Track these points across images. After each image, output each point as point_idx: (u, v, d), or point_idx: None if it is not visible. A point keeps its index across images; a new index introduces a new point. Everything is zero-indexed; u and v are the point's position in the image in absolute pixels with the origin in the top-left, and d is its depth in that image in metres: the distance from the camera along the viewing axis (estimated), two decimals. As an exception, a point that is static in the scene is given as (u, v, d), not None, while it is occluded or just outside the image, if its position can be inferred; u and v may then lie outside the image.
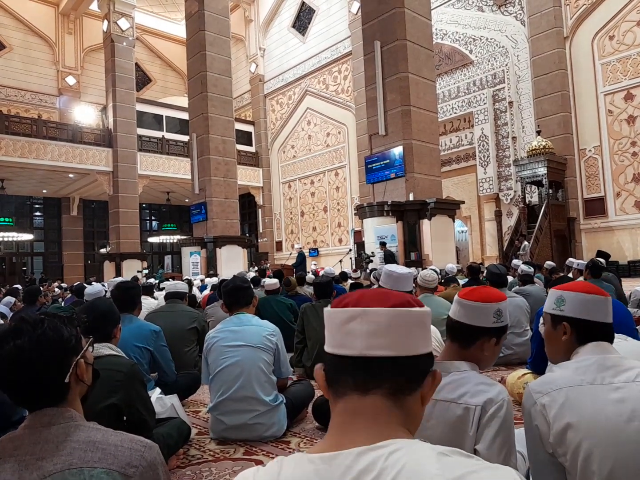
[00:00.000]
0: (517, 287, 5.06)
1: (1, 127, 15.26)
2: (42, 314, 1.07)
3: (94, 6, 19.61)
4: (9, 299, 5.47)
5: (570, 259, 6.82)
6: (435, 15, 14.19)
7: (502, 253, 12.98)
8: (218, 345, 2.61)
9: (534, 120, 13.41)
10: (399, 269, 2.98)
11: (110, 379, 1.88)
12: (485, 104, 14.37)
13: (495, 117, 14.34)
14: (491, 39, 14.44)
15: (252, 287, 3.17)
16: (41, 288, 7.44)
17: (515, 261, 7.35)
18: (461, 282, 6.00)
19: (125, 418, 1.96)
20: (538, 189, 13.02)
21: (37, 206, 20.76)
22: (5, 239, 18.71)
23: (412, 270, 3.31)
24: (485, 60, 14.60)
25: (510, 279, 6.26)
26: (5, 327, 1.03)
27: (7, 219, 17.72)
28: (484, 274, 5.59)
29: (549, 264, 6.93)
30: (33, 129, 16.02)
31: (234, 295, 2.73)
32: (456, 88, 15.18)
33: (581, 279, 5.11)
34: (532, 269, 5.33)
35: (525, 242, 11.36)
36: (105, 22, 18.05)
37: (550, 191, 12.44)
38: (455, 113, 15.17)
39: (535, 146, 12.48)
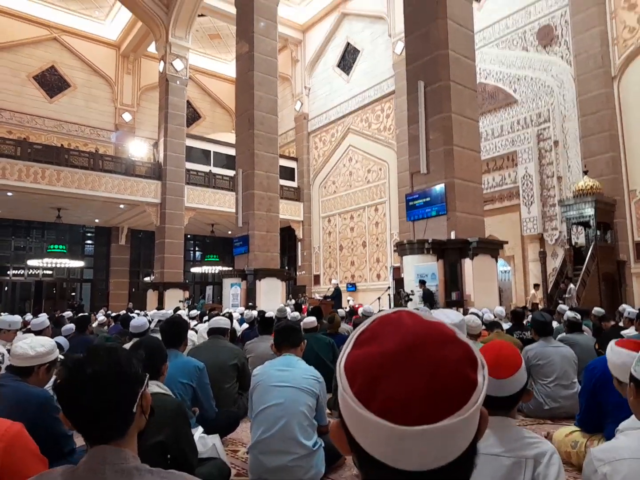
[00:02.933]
0: (564, 334, 4.89)
1: (61, 160, 16.24)
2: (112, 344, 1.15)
3: (151, 48, 20.90)
4: (71, 326, 5.68)
5: (623, 306, 6.54)
6: (479, 55, 14.31)
7: (546, 295, 12.57)
8: (264, 384, 2.66)
9: (581, 160, 13.13)
10: (449, 315, 2.92)
11: (158, 417, 1.95)
12: (529, 142, 14.22)
13: (539, 156, 14.15)
14: (536, 78, 14.40)
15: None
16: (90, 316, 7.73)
17: (561, 306, 7.11)
18: (505, 326, 5.85)
19: (169, 456, 2.02)
20: (585, 230, 12.63)
21: (89, 234, 21.77)
22: (58, 266, 19.62)
23: (462, 316, 3.24)
24: (529, 99, 14.53)
25: (555, 324, 6.06)
26: (79, 355, 1.07)
27: (61, 247, 18.62)
28: (529, 320, 5.44)
29: (598, 310, 6.66)
30: (90, 162, 16.97)
31: (285, 335, 2.83)
32: (500, 127, 15.13)
33: (632, 329, 4.88)
34: (579, 316, 5.13)
35: (572, 285, 10.97)
36: (162, 63, 19.16)
37: (598, 232, 12.04)
38: (499, 152, 15.06)
39: (582, 186, 12.18)
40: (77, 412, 1.02)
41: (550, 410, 3.71)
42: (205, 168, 19.83)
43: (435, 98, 10.05)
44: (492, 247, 10.06)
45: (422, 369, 0.48)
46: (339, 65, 21.21)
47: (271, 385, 2.64)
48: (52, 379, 2.63)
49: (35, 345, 2.36)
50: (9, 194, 15.63)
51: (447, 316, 2.95)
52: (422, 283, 9.28)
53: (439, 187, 9.81)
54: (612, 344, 1.86)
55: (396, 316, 0.54)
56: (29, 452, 1.40)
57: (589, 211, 11.89)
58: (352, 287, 19.32)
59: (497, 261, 10.15)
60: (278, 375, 2.66)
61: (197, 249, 24.77)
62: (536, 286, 13.06)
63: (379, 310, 5.48)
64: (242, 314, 9.10)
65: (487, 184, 14.94)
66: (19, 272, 19.94)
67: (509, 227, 14.99)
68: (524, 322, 6.01)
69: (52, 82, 20.88)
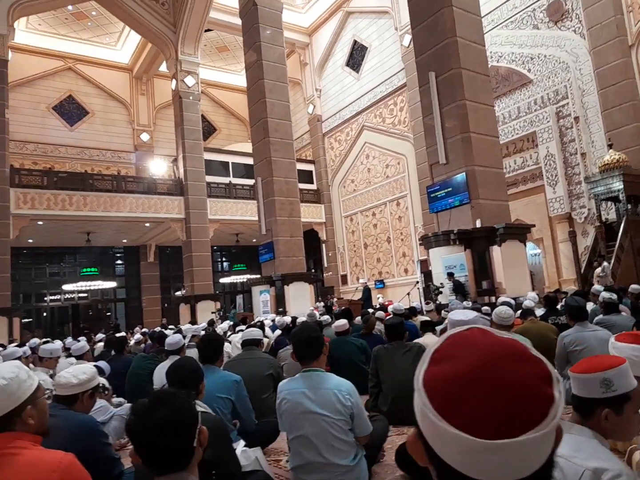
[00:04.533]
0: (600, 316, 4.76)
1: (86, 185, 16.69)
2: (171, 389, 1.27)
3: (162, 67, 21.28)
4: (99, 345, 5.84)
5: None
6: (489, 39, 14.09)
7: (580, 276, 12.27)
8: (292, 411, 2.50)
9: (604, 134, 12.78)
10: (466, 315, 2.92)
11: (200, 435, 2.01)
12: (548, 122, 13.92)
13: (560, 134, 13.83)
14: (550, 55, 14.08)
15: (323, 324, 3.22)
16: (126, 336, 7.91)
17: (595, 286, 6.93)
18: (538, 312, 5.74)
19: (214, 472, 2.07)
20: (615, 205, 12.29)
21: (118, 255, 22.28)
22: (92, 288, 20.15)
23: (475, 314, 3.20)
24: (545, 77, 14.22)
25: (591, 305, 5.92)
26: (146, 401, 1.23)
27: (93, 269, 19.11)
28: (563, 303, 5.33)
29: (636, 287, 6.46)
30: (114, 184, 17.37)
31: (302, 348, 2.59)
32: (516, 109, 14.85)
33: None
34: (615, 296, 4.99)
35: (605, 263, 10.67)
36: (174, 81, 19.48)
37: (629, 206, 11.69)
38: (518, 134, 14.78)
39: (608, 160, 11.86)
40: (146, 451, 1.18)
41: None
42: (225, 179, 20.07)
43: (447, 87, 9.94)
44: (520, 232, 9.89)
45: (500, 387, 0.50)
46: (347, 64, 21.18)
47: (299, 413, 2.47)
48: (96, 404, 2.73)
49: (78, 374, 2.45)
50: (40, 222, 16.14)
51: (465, 315, 2.93)
52: (451, 275, 9.19)
53: (460, 176, 9.70)
54: (612, 340, 1.84)
55: (469, 334, 0.58)
56: (82, 481, 1.47)
57: (618, 185, 11.57)
58: (381, 284, 19.24)
59: (525, 245, 9.97)
60: (305, 403, 2.47)
61: (224, 259, 25.07)
62: (600, 259, 10.93)
63: (410, 307, 5.46)
64: (273, 321, 9.19)
65: (509, 167, 14.69)
66: (56, 297, 20.56)
67: (535, 209, 14.70)
68: (558, 306, 5.89)
69: (71, 111, 21.48)
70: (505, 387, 0.50)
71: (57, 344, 5.52)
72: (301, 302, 13.37)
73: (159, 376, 4.37)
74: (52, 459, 1.43)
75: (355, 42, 20.74)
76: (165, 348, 4.79)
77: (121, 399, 4.60)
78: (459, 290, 8.90)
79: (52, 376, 4.17)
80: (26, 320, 19.01)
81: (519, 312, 5.41)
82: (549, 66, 14.11)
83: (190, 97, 19.25)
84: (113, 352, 5.78)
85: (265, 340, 5.17)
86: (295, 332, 2.77)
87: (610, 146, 12.13)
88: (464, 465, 0.50)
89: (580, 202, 13.45)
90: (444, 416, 0.50)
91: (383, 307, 10.00)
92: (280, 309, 13.17)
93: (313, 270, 21.74)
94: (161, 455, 1.16)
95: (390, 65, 18.92)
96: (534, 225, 11.13)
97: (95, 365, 3.02)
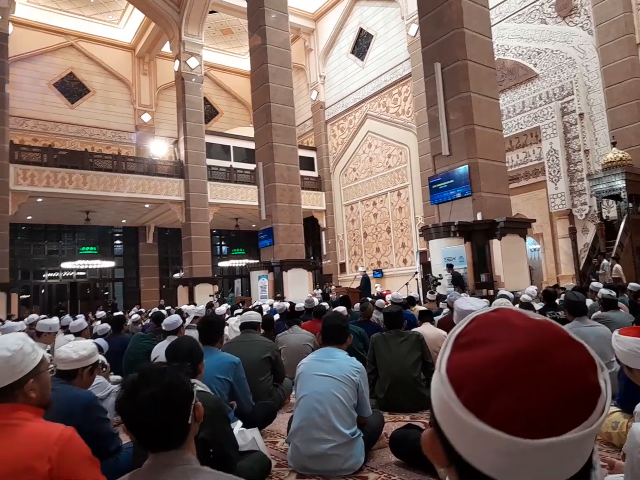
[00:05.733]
0: (599, 312, 4.78)
1: (86, 164, 16.60)
2: (162, 364, 1.22)
3: (166, 48, 21.05)
4: (105, 326, 5.86)
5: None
6: (496, 32, 13.96)
7: (578, 272, 12.31)
8: (306, 373, 2.78)
9: (608, 132, 12.74)
10: (474, 304, 2.93)
11: (199, 414, 2.02)
12: (553, 117, 13.85)
13: (564, 130, 13.77)
14: (556, 50, 13.97)
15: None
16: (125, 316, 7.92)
17: (594, 283, 6.95)
18: (536, 307, 5.77)
19: (211, 451, 2.08)
20: (616, 203, 12.28)
21: (117, 235, 22.24)
22: (90, 267, 20.14)
23: (485, 302, 3.22)
24: (551, 72, 14.12)
25: (589, 302, 5.94)
26: (134, 377, 1.17)
27: (91, 248, 19.09)
28: (562, 299, 5.35)
29: (634, 285, 6.48)
30: (114, 164, 17.29)
31: (330, 333, 2.93)
32: (521, 103, 14.76)
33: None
34: (614, 293, 5.01)
35: (605, 261, 10.70)
36: (177, 62, 19.29)
37: (631, 205, 11.70)
38: (522, 128, 14.72)
39: (611, 158, 11.84)
40: (137, 429, 1.12)
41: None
42: (226, 163, 19.98)
43: (453, 78, 9.87)
44: (520, 226, 9.90)
45: (546, 376, 0.43)
46: (353, 52, 20.98)
47: (312, 374, 2.75)
48: (95, 381, 2.73)
49: (78, 349, 2.45)
50: (39, 199, 16.07)
51: (472, 304, 2.95)
52: (450, 267, 9.21)
53: (462, 168, 9.68)
54: (615, 333, 1.92)
55: (500, 315, 0.50)
56: (83, 455, 1.47)
57: (620, 183, 11.56)
58: (379, 274, 19.28)
59: (525, 240, 9.98)
60: (319, 366, 2.76)
61: (223, 243, 25.06)
62: (600, 256, 11.06)
63: (409, 296, 5.47)
64: (271, 306, 9.21)
65: (511, 162, 14.65)
66: (54, 275, 20.56)
67: (536, 204, 14.70)
68: (557, 301, 5.91)
69: (72, 89, 21.27)
70: (551, 375, 0.43)
71: (56, 320, 5.53)
72: (299, 288, 13.39)
73: (157, 355, 4.38)
74: (53, 432, 1.43)
75: (361, 29, 20.52)
76: (163, 328, 4.80)
77: (119, 377, 4.62)
78: (458, 282, 8.93)
79: (49, 352, 4.18)
80: (24, 296, 19.03)
81: (517, 305, 5.43)
82: (555, 61, 14.00)
83: (193, 79, 19.08)
84: (111, 331, 5.79)
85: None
86: (327, 317, 3.10)
87: (613, 144, 12.09)
88: (496, 469, 0.43)
89: (581, 199, 13.45)
90: (474, 411, 0.43)
91: (381, 296, 10.02)
92: (278, 295, 13.20)
93: (312, 258, 21.75)
94: (152, 433, 1.11)
95: (395, 55, 18.75)
96: (534, 220, 11.13)
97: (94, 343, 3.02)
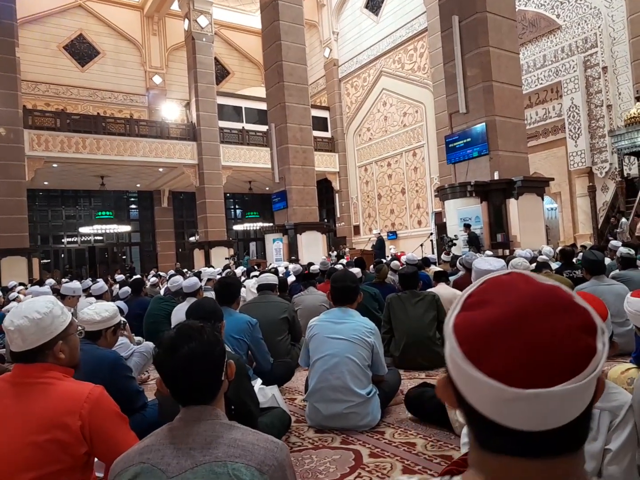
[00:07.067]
0: (616, 271, 4.75)
1: (99, 128, 16.57)
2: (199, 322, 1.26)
3: (174, 6, 20.52)
4: (126, 289, 5.99)
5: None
6: (518, -20, 13.31)
7: (596, 231, 12.15)
8: (320, 335, 2.77)
9: (632, 86, 12.25)
10: (493, 264, 2.91)
11: (221, 373, 2.08)
12: (575, 71, 13.34)
13: (587, 84, 13.28)
14: (581, 0, 13.30)
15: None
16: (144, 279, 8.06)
17: (613, 242, 6.86)
18: (553, 266, 5.73)
19: (233, 408, 2.15)
20: (638, 160, 11.96)
21: (132, 199, 22.41)
22: (107, 231, 20.43)
23: (503, 263, 3.20)
24: (574, 24, 13.50)
25: (607, 261, 5.89)
26: (173, 333, 1.22)
27: (107, 213, 19.25)
28: (579, 258, 5.30)
29: (653, 244, 6.40)
30: (126, 128, 17.23)
31: (340, 294, 2.87)
32: (542, 57, 14.21)
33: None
34: (633, 252, 4.95)
35: (624, 219, 10.53)
36: (186, 20, 18.84)
37: (653, 162, 11.39)
38: (542, 84, 14.23)
39: (635, 113, 11.43)
40: (175, 384, 1.18)
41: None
42: (238, 125, 19.76)
43: (471, 32, 9.52)
44: (538, 186, 9.75)
45: (536, 339, 0.47)
46: (367, 6, 20.23)
47: (326, 336, 2.75)
48: (118, 341, 2.82)
49: (100, 311, 2.52)
50: (54, 165, 16.18)
51: (491, 264, 2.94)
52: (467, 227, 9.15)
53: (480, 126, 9.47)
54: (628, 296, 1.97)
55: (509, 279, 0.54)
56: (112, 412, 1.53)
57: (642, 140, 11.21)
58: (393, 235, 19.24)
59: (543, 199, 9.84)
60: (333, 328, 2.76)
61: (237, 206, 25.12)
62: (619, 214, 11.01)
63: (424, 258, 5.48)
64: (286, 268, 9.31)
65: (530, 119, 14.25)
66: (72, 240, 20.93)
67: (555, 162, 14.37)
68: (574, 260, 5.87)
69: (82, 51, 20.98)
70: (541, 339, 0.47)
71: (78, 284, 5.67)
72: (313, 251, 13.46)
73: (177, 317, 4.48)
74: (83, 390, 1.49)
75: (375, -19, 19.72)
76: (183, 290, 4.89)
77: (140, 338, 4.75)
78: (474, 242, 8.89)
79: (73, 314, 4.30)
80: (45, 261, 19.46)
81: (534, 265, 5.40)
82: (579, 12, 13.37)
83: (204, 39, 18.66)
84: (130, 293, 5.92)
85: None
86: (337, 277, 2.97)
87: (637, 99, 11.67)
88: (494, 412, 0.49)
89: (602, 156, 13.10)
90: (473, 362, 0.49)
91: (395, 258, 10.03)
92: (293, 258, 13.30)
93: (326, 220, 21.74)
94: (190, 388, 1.16)
95: (411, 9, 18.04)
96: (552, 179, 10.92)
97: (116, 305, 3.09)
